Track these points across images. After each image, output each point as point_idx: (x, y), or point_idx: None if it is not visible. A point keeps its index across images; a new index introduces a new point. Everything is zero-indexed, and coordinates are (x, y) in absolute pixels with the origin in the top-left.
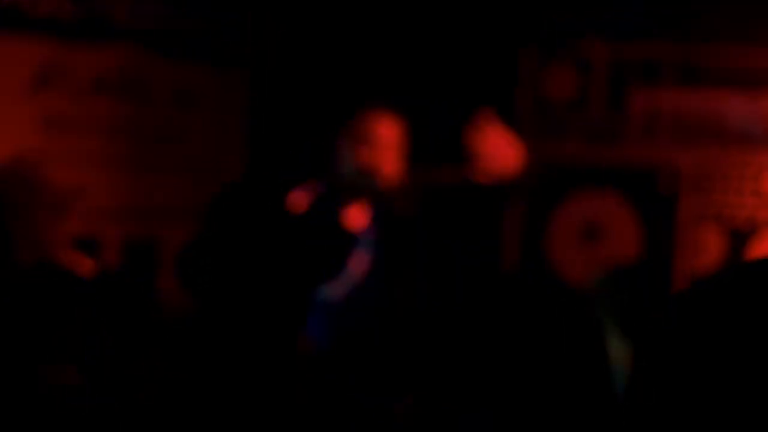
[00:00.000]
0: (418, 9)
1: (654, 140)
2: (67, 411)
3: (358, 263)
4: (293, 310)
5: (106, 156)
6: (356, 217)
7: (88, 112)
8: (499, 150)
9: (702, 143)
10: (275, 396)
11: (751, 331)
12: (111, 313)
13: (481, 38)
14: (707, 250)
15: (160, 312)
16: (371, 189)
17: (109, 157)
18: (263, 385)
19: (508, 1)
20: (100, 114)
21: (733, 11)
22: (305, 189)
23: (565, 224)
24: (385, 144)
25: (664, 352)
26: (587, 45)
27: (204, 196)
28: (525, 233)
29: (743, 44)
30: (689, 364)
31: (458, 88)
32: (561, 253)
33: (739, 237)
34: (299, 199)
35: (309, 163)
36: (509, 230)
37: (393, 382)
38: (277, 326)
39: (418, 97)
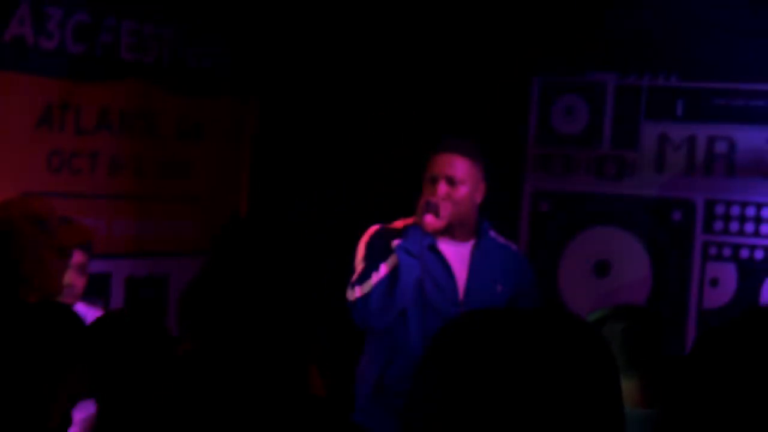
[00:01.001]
0: (428, 41)
1: (666, 175)
2: None
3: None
4: (299, 351)
5: (112, 191)
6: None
7: (94, 149)
8: None
9: (715, 179)
10: None
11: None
12: (116, 355)
13: (490, 71)
14: (721, 287)
15: (170, 350)
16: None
17: (116, 193)
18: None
19: (518, 34)
20: (105, 150)
21: (746, 48)
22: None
23: (576, 261)
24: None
25: (684, 400)
26: (598, 78)
27: (210, 230)
28: (537, 269)
29: (759, 81)
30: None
31: (468, 121)
32: (572, 290)
33: (755, 274)
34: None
35: (314, 197)
36: None
37: None
38: (285, 367)
39: (427, 129)
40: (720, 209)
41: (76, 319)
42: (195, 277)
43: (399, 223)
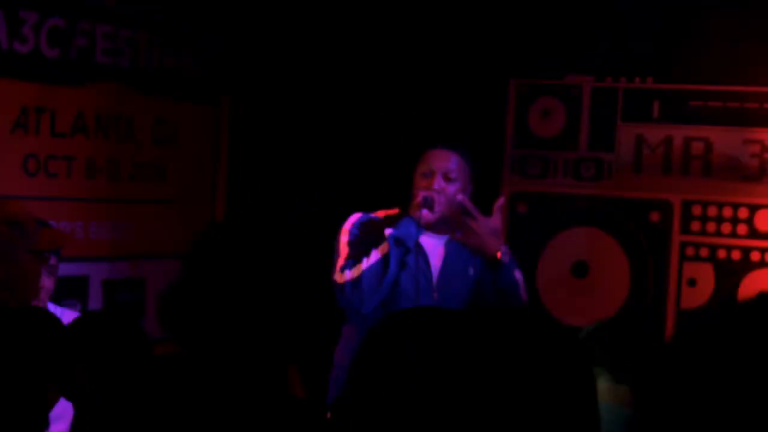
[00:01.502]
0: (406, 45)
1: (643, 177)
2: None
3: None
4: (278, 352)
5: (88, 195)
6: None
7: (70, 152)
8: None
9: (692, 180)
10: None
11: (748, 375)
12: (95, 357)
13: (468, 73)
14: (699, 287)
15: (147, 352)
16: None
17: (92, 196)
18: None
19: (496, 38)
20: (81, 153)
21: (722, 51)
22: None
23: (555, 262)
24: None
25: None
26: (575, 81)
27: (187, 233)
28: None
29: (734, 83)
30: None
31: (447, 124)
32: (550, 291)
33: (732, 274)
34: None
35: (292, 198)
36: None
37: None
38: (265, 367)
39: (406, 132)
40: (697, 210)
41: (57, 323)
42: (175, 280)
43: (381, 213)
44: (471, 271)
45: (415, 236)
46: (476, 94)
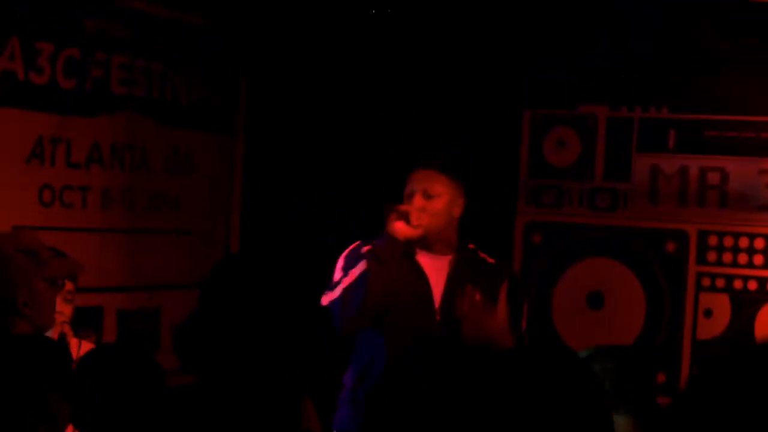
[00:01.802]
0: (420, 74)
1: (659, 207)
2: None
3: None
4: (295, 382)
5: (103, 225)
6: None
7: (85, 182)
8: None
9: (708, 210)
10: None
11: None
12: (108, 390)
13: (483, 104)
14: (715, 317)
15: (162, 382)
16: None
17: (107, 226)
18: None
19: (510, 67)
20: (96, 183)
21: (735, 82)
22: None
23: (570, 292)
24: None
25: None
26: (590, 110)
27: (201, 263)
28: (530, 300)
29: (750, 113)
30: None
31: (462, 154)
32: (565, 321)
33: (748, 304)
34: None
35: (304, 227)
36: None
37: None
38: (279, 400)
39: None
40: (713, 240)
41: (65, 353)
42: (191, 312)
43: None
44: (478, 297)
45: (393, 250)
46: (491, 123)
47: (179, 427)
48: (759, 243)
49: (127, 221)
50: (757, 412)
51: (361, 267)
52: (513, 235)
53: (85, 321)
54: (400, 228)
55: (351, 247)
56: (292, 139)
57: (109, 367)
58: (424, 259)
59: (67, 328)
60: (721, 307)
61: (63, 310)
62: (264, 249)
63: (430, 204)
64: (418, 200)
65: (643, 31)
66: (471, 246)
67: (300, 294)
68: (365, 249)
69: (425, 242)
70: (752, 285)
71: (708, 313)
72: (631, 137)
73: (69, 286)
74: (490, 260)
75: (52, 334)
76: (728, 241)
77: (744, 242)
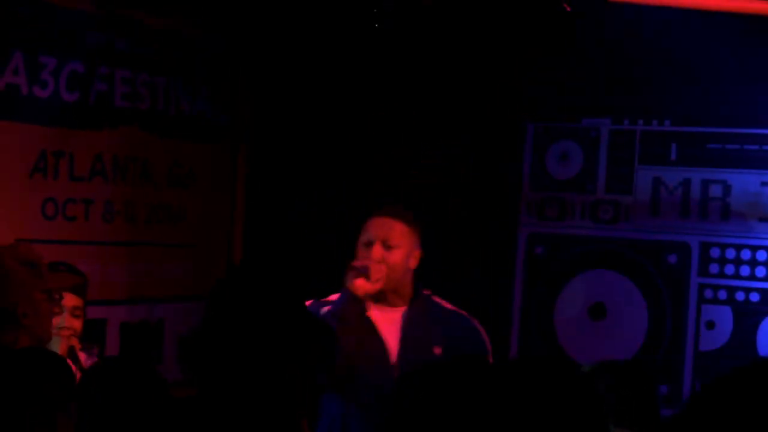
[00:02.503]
0: (424, 85)
1: (661, 219)
2: None
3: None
4: (296, 398)
5: (106, 238)
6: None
7: (88, 195)
8: None
9: (710, 222)
10: None
11: None
12: (111, 402)
13: (486, 116)
14: (718, 329)
15: (165, 394)
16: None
17: (110, 239)
18: None
19: (513, 80)
20: (99, 197)
21: (738, 95)
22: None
23: (572, 304)
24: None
25: None
26: (592, 123)
27: (204, 275)
28: (532, 313)
29: (751, 126)
30: None
31: (464, 166)
32: (568, 333)
33: (751, 316)
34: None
35: (307, 238)
36: (517, 309)
37: None
38: (280, 414)
39: (423, 177)
40: (715, 252)
41: (65, 366)
42: (196, 325)
43: (334, 297)
44: (437, 350)
45: (353, 307)
46: (494, 136)
47: None
48: (761, 255)
49: (130, 234)
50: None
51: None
52: (515, 248)
53: (88, 334)
54: (360, 285)
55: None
56: (294, 149)
57: (113, 379)
58: (375, 314)
59: (75, 341)
60: (723, 319)
61: (72, 324)
62: (267, 261)
63: (389, 255)
64: (377, 251)
65: (645, 44)
66: (426, 292)
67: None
68: (324, 310)
69: (379, 295)
70: (754, 297)
71: (710, 325)
72: (634, 150)
73: (75, 301)
74: (447, 305)
75: (60, 348)
76: (730, 253)
77: (746, 254)
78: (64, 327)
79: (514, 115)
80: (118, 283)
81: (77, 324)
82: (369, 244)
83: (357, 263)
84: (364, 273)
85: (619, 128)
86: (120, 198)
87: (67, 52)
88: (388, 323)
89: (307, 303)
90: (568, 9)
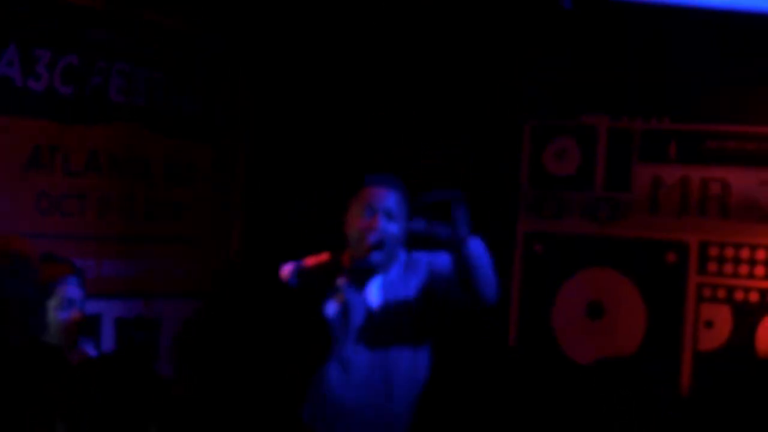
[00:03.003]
0: (423, 84)
1: (659, 217)
2: None
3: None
4: (291, 389)
5: (101, 233)
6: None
7: (83, 190)
8: None
9: (709, 221)
10: None
11: None
12: (106, 397)
13: (484, 114)
14: (716, 328)
15: (161, 390)
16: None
17: (105, 234)
18: None
19: (511, 77)
20: (94, 191)
21: (737, 93)
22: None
23: (570, 302)
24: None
25: None
26: (591, 121)
27: (201, 271)
28: (530, 311)
29: (749, 124)
30: None
31: (462, 163)
32: (566, 331)
33: (750, 315)
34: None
35: (305, 237)
36: (515, 307)
37: None
38: (275, 405)
39: (421, 175)
40: (714, 251)
41: (63, 360)
42: (193, 321)
43: (310, 260)
44: (412, 295)
45: (368, 276)
46: (492, 133)
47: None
48: (760, 254)
49: (125, 229)
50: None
51: (340, 299)
52: (513, 245)
53: (83, 329)
54: (378, 259)
55: (285, 272)
56: (292, 146)
57: (108, 375)
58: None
59: (69, 335)
60: (722, 318)
61: (68, 315)
62: (266, 258)
63: (389, 226)
64: (382, 221)
65: (645, 42)
66: (402, 258)
67: (300, 304)
68: (341, 281)
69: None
70: (753, 296)
71: (709, 324)
72: (632, 147)
73: (66, 291)
74: (423, 257)
75: (59, 340)
76: (729, 252)
77: (745, 253)
78: (63, 319)
79: (513, 113)
80: (113, 278)
81: (74, 314)
82: (370, 214)
83: (375, 236)
84: (381, 245)
85: (617, 126)
86: (115, 193)
87: (62, 45)
88: (372, 288)
89: (289, 266)
90: (567, 7)
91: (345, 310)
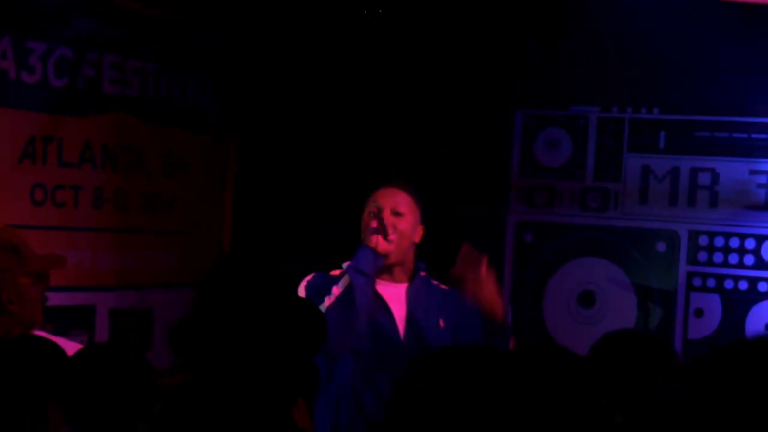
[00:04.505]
0: (412, 74)
1: (650, 207)
2: None
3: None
4: (290, 383)
5: (95, 225)
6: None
7: (77, 182)
8: (492, 298)
9: (699, 210)
10: None
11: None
12: (100, 386)
13: (475, 104)
14: (706, 317)
15: (153, 380)
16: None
17: (99, 226)
18: None
19: (501, 68)
20: (88, 183)
21: (727, 83)
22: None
23: (561, 292)
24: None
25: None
26: (581, 111)
27: (194, 263)
28: (521, 300)
29: (741, 114)
30: None
31: (452, 154)
32: (556, 321)
33: (739, 304)
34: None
35: (296, 230)
36: (506, 296)
37: None
38: (273, 400)
39: (412, 164)
40: (704, 240)
41: (59, 352)
42: (188, 311)
43: (336, 273)
44: (442, 323)
45: (374, 262)
46: (483, 123)
47: (173, 426)
48: (750, 243)
49: (120, 221)
50: (749, 409)
51: (344, 282)
52: (504, 235)
53: (77, 320)
54: (380, 241)
55: (307, 278)
56: (285, 139)
57: (101, 366)
58: (381, 288)
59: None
60: (712, 307)
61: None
62: (258, 249)
63: (398, 222)
64: (388, 217)
65: (635, 31)
66: (423, 274)
67: (294, 294)
68: (346, 264)
69: (387, 267)
70: (743, 285)
71: (699, 313)
72: (622, 138)
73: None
74: (444, 287)
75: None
76: (719, 242)
77: (735, 242)
78: None
79: (503, 103)
80: (107, 269)
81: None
82: (378, 211)
83: (375, 223)
84: (383, 232)
85: (607, 116)
86: (110, 184)
87: (55, 37)
88: (394, 298)
89: (312, 275)
90: None
91: (371, 318)
